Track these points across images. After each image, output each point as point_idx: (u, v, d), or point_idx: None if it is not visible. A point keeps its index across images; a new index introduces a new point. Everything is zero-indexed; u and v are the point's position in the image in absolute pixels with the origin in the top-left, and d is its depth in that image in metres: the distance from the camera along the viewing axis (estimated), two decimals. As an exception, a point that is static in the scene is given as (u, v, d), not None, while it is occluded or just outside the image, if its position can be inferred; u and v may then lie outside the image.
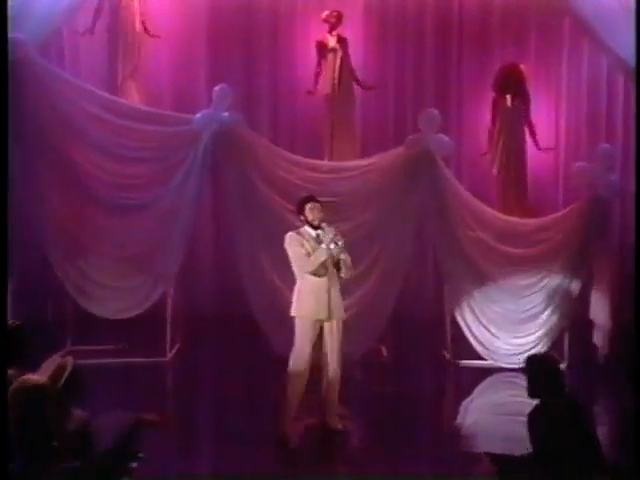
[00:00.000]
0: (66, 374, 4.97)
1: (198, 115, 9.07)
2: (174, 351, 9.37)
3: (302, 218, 7.21)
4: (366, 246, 9.11)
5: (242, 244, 9.10)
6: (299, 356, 7.01)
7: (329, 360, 7.07)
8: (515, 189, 9.91)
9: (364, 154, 9.85)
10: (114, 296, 9.08)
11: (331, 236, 7.03)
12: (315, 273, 6.99)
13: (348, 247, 8.84)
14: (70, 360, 5.11)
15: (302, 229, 7.20)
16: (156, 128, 9.06)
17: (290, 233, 7.15)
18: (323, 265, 7.00)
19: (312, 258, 6.95)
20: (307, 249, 7.02)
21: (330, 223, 8.81)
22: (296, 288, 7.15)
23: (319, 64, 10.15)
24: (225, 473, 6.48)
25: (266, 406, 7.52)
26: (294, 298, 7.15)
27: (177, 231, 9.04)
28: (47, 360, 5.11)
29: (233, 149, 9.03)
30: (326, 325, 7.04)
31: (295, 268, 7.14)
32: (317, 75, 10.17)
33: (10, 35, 7.84)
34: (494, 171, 10.00)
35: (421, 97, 10.71)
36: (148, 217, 9.05)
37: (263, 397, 8.03)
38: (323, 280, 7.00)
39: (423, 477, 6.51)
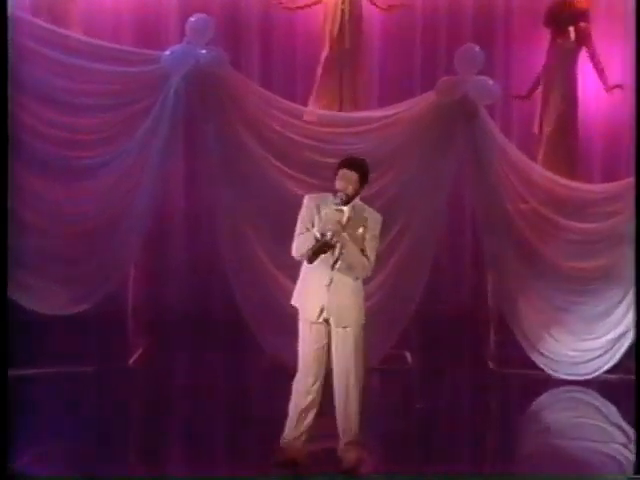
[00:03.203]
0: None
1: (168, 52, 9.04)
2: (136, 356, 9.46)
3: None
4: (387, 220, 8.80)
5: (225, 219, 8.99)
6: (302, 364, 6.70)
7: (334, 375, 6.72)
8: (564, 150, 9.92)
9: (383, 103, 9.80)
10: (56, 286, 8.97)
11: (329, 225, 6.46)
12: (310, 261, 6.53)
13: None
14: None
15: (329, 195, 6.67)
16: (115, 68, 8.99)
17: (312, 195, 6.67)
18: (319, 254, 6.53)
19: (297, 241, 6.55)
20: (314, 221, 6.54)
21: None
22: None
23: None
24: None
25: (256, 423, 7.49)
26: (297, 284, 6.82)
27: (139, 201, 8.97)
28: None
29: (213, 95, 8.97)
30: (332, 330, 6.68)
31: None
32: None
33: None
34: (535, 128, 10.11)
35: (458, 30, 10.48)
36: (102, 183, 8.98)
37: (251, 411, 8.02)
38: (324, 272, 6.57)
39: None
